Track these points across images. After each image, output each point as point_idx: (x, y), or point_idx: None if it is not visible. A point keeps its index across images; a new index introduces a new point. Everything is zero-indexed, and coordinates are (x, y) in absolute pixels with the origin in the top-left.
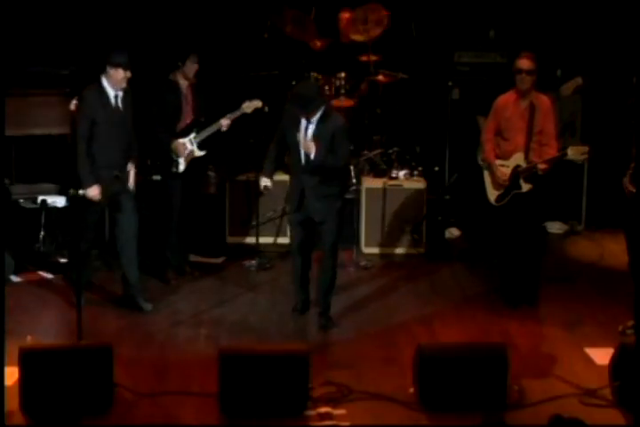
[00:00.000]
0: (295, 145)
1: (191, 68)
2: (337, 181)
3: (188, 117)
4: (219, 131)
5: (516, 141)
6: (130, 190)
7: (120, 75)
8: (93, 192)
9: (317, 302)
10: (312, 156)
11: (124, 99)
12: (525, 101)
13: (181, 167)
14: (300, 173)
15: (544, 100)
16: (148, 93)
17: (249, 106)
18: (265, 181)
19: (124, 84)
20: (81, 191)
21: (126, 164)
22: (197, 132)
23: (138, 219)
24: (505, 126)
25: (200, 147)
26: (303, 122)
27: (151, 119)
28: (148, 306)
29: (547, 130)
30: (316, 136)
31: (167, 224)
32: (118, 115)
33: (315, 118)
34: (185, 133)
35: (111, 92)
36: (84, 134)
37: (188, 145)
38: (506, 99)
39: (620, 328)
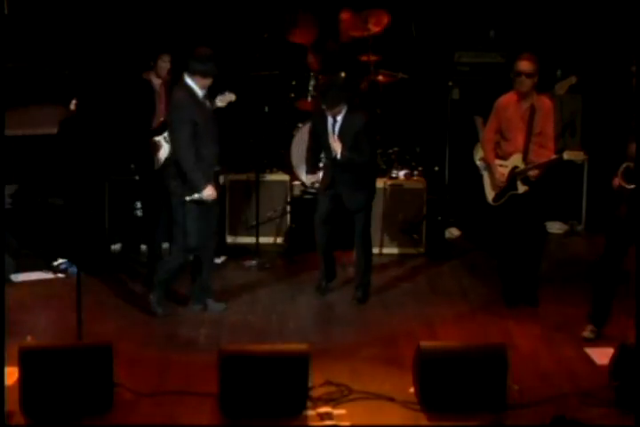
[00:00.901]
0: (325, 141)
1: (162, 67)
2: (366, 173)
3: (161, 115)
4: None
5: (516, 142)
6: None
7: (205, 82)
8: (209, 192)
9: (355, 281)
10: (338, 155)
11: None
12: (526, 103)
13: (156, 166)
14: (332, 166)
15: (545, 102)
16: (121, 92)
17: (222, 99)
18: (311, 178)
19: (205, 88)
20: (196, 195)
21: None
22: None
23: None
24: (506, 127)
25: None
26: (330, 120)
27: (125, 118)
28: (220, 306)
29: (545, 132)
30: (340, 135)
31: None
32: (209, 110)
33: (340, 116)
34: (159, 131)
35: (199, 91)
36: (189, 139)
37: (163, 142)
38: (507, 99)
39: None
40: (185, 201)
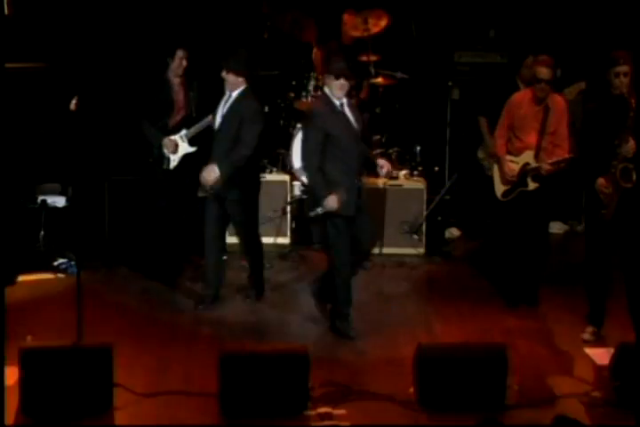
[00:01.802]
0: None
1: (179, 64)
2: (245, 167)
3: (179, 114)
4: (210, 127)
5: (528, 140)
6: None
7: (337, 83)
8: (331, 202)
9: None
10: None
11: (349, 104)
12: (541, 102)
13: (173, 164)
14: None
15: (559, 102)
16: (140, 90)
17: None
18: None
19: (340, 94)
20: (320, 209)
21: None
22: (188, 129)
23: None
24: (518, 124)
25: (191, 143)
26: (223, 99)
27: (142, 116)
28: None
29: (560, 131)
30: (224, 118)
31: (158, 222)
32: (348, 122)
33: (235, 93)
34: (176, 130)
35: (336, 100)
36: (314, 147)
37: (180, 141)
38: (521, 97)
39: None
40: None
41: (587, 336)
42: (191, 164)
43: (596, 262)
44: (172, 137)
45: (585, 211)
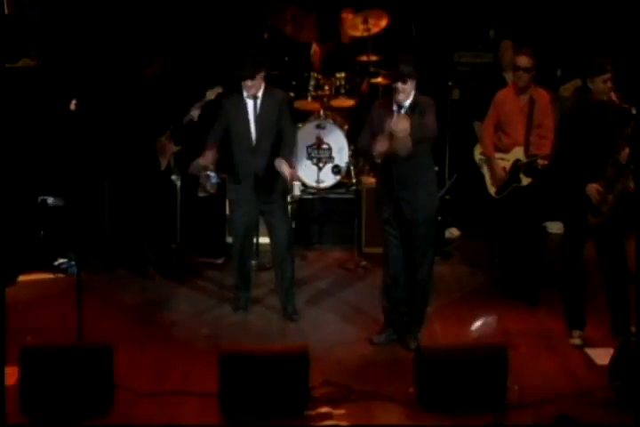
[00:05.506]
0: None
1: (155, 67)
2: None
3: (166, 115)
4: (192, 122)
5: (516, 135)
6: None
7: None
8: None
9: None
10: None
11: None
12: (525, 96)
13: (163, 165)
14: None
15: (543, 95)
16: (124, 92)
17: (211, 93)
18: None
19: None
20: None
21: None
22: (171, 129)
23: None
24: (505, 120)
25: (176, 142)
26: (249, 102)
27: (129, 118)
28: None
29: (545, 124)
30: (259, 116)
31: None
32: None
33: (259, 94)
34: (161, 131)
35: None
36: (365, 131)
37: (166, 142)
38: (505, 93)
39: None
40: None
41: (577, 341)
42: (183, 164)
43: (573, 266)
44: (159, 138)
45: (567, 216)
